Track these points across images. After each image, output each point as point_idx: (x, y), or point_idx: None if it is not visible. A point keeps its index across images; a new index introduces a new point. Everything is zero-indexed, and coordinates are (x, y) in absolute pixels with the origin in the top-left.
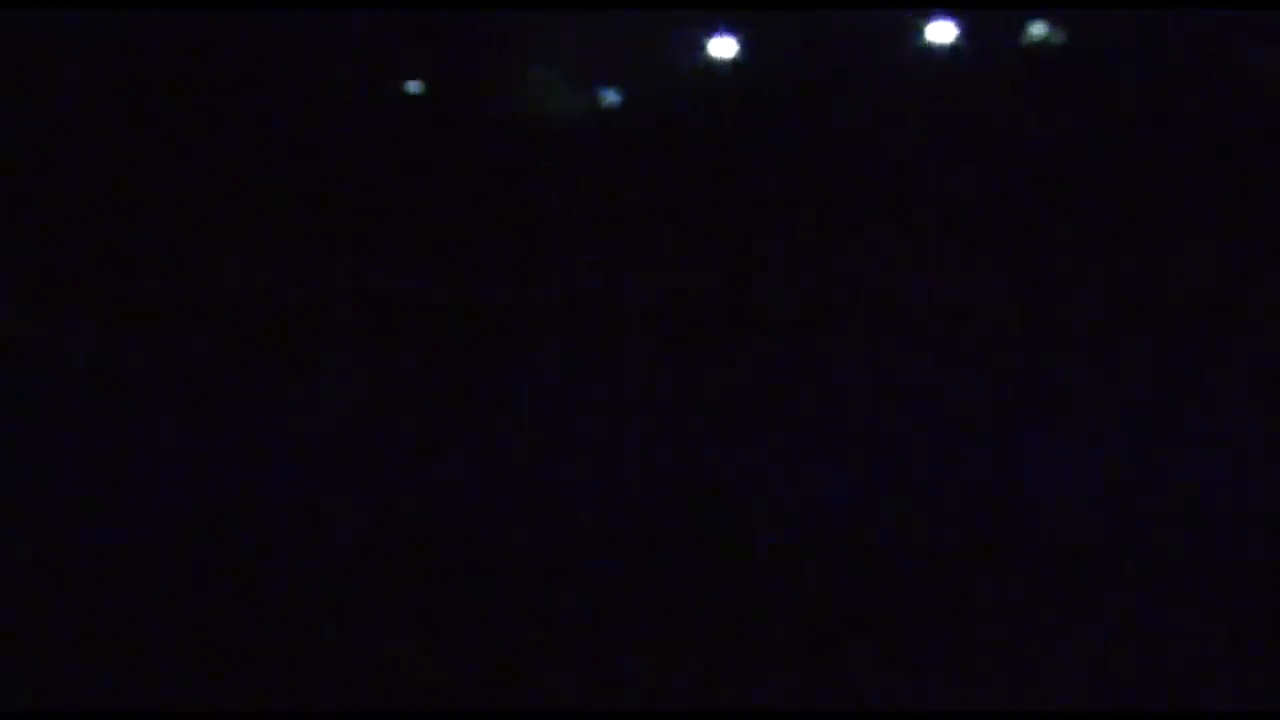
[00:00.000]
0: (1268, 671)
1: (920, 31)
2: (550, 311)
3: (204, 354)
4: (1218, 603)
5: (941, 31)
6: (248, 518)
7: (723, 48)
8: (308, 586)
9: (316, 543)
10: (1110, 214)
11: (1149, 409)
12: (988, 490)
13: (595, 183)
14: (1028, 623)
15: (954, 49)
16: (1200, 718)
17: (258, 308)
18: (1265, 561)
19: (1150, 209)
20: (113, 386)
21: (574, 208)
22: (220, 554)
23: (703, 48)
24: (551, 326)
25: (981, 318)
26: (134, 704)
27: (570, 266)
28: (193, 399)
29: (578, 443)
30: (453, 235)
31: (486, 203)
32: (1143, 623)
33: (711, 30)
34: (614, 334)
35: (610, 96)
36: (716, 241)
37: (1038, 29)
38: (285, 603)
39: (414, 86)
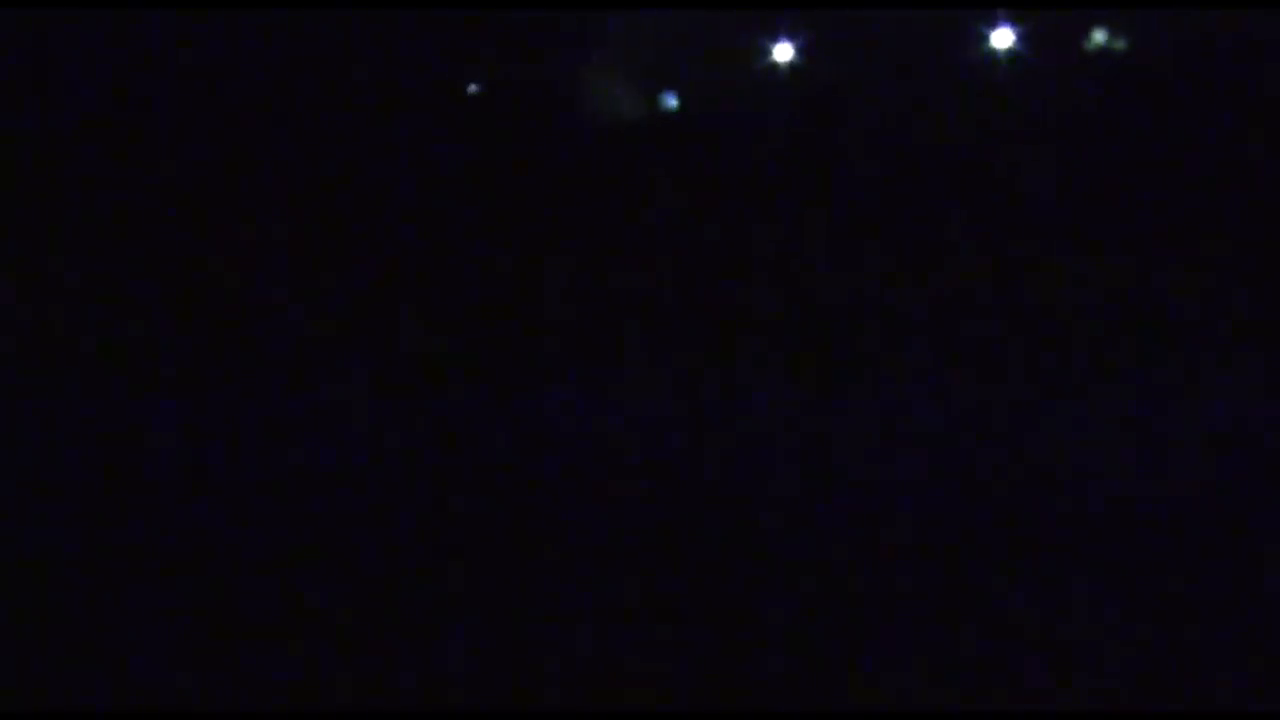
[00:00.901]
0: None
1: (975, 35)
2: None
3: (213, 352)
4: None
5: (1002, 37)
6: (250, 516)
7: (782, 52)
8: (308, 585)
9: (319, 540)
10: (1119, 216)
11: (1151, 405)
12: (989, 489)
13: (652, 183)
14: (1026, 622)
15: (1010, 53)
16: (1200, 717)
17: (278, 308)
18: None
19: (1158, 212)
20: (121, 384)
21: (627, 207)
22: (222, 552)
23: (763, 51)
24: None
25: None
26: (135, 703)
27: (641, 264)
28: (203, 397)
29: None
30: (498, 234)
31: (535, 201)
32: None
33: (771, 34)
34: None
35: (671, 102)
36: (761, 240)
37: (1099, 35)
38: (284, 602)
39: (473, 88)
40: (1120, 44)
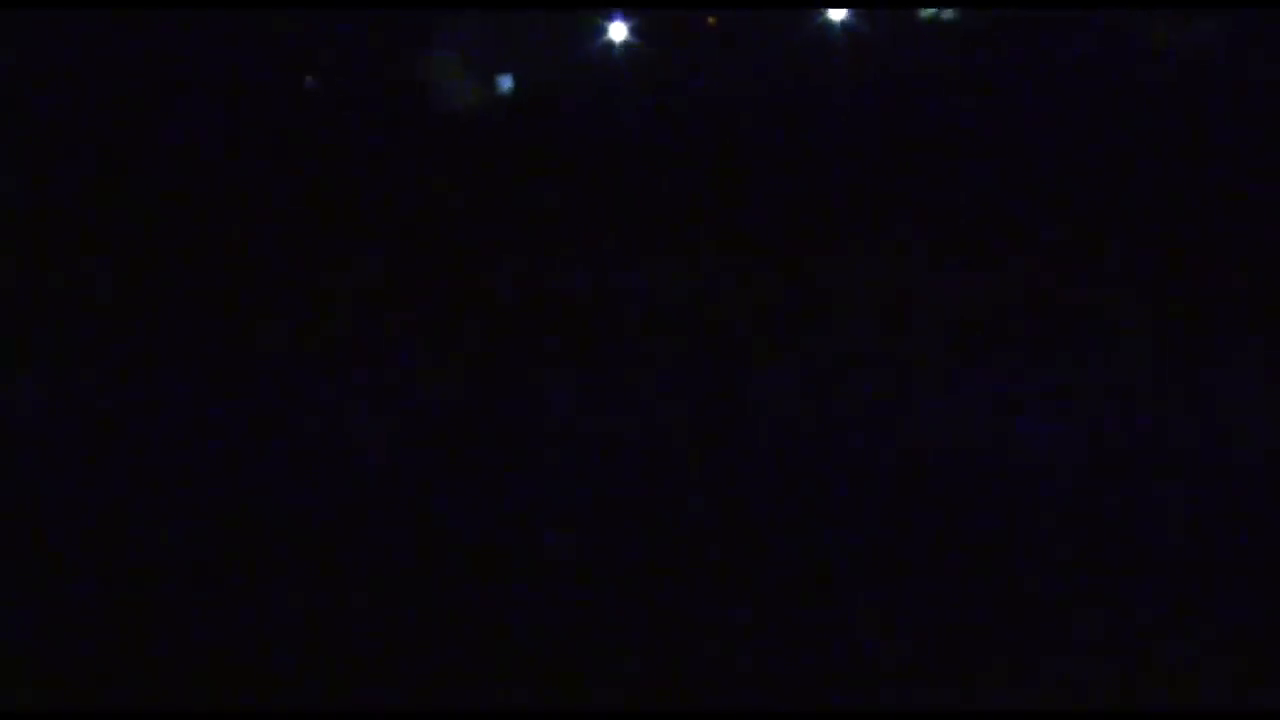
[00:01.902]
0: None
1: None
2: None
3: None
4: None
5: (837, 14)
6: (248, 516)
7: (618, 31)
8: (307, 585)
9: (318, 539)
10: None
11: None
12: (987, 485)
13: (495, 172)
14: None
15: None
16: (1201, 717)
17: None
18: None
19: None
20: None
21: (475, 197)
22: (222, 552)
23: (600, 35)
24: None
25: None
26: (134, 703)
27: (483, 258)
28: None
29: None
30: (351, 228)
31: (386, 194)
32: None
33: (607, 18)
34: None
35: (506, 85)
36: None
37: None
38: (282, 602)
39: (311, 82)
40: (951, 16)
